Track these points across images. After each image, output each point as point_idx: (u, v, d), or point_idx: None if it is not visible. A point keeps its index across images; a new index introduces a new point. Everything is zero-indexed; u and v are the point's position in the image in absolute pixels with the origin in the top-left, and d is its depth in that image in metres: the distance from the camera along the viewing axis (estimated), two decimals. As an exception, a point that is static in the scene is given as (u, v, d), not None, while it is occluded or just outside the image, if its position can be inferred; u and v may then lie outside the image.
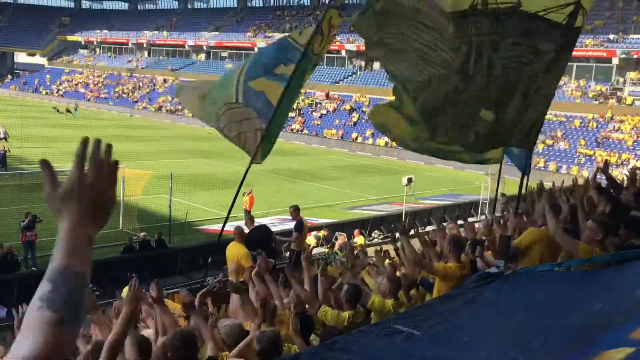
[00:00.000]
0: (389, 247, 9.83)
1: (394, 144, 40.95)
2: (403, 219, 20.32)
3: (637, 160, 37.98)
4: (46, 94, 77.21)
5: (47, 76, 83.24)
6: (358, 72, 61.61)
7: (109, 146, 1.37)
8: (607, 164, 7.39)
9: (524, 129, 4.96)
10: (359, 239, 18.07)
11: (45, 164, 1.35)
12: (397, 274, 6.92)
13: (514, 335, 2.76)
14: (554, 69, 4.61)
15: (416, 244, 6.47)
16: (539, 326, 2.81)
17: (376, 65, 61.10)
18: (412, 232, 6.64)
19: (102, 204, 1.36)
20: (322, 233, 18.41)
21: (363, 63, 62.19)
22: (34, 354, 1.18)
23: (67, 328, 1.22)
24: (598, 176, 7.43)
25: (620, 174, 35.58)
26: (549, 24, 4.43)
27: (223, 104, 7.35)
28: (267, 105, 7.14)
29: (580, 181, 8.85)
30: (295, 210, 11.62)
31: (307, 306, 5.74)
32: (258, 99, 7.11)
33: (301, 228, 11.46)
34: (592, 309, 2.94)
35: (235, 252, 9.23)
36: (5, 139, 34.80)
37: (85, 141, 1.34)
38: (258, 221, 11.90)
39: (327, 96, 58.24)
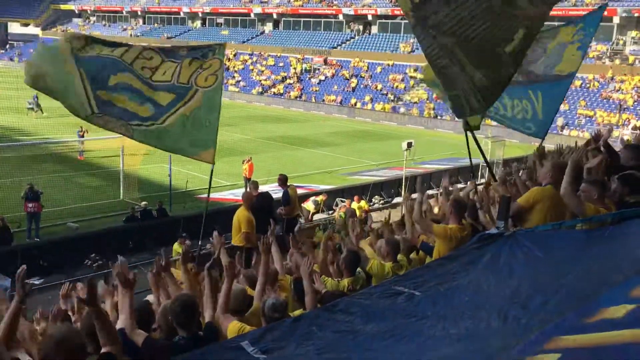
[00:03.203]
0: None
1: (398, 107, 40.50)
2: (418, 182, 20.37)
3: (637, 121, 37.86)
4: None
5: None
6: (356, 37, 60.86)
7: None
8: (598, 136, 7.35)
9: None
10: (361, 204, 18.10)
11: None
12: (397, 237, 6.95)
13: (514, 295, 2.78)
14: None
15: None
16: (539, 286, 2.82)
17: (374, 29, 60.38)
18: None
19: None
20: (320, 198, 18.35)
21: (361, 27, 61.40)
22: None
23: None
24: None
25: (620, 134, 35.55)
26: None
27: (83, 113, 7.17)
28: (123, 111, 7.18)
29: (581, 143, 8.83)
30: (280, 180, 11.74)
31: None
32: (112, 107, 7.12)
33: (287, 200, 11.59)
34: (592, 268, 2.96)
35: (236, 217, 9.41)
36: (34, 108, 35.44)
37: None
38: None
39: (325, 62, 57.67)
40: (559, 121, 39.23)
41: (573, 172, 4.54)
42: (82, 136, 26.04)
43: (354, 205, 17.77)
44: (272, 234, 6.45)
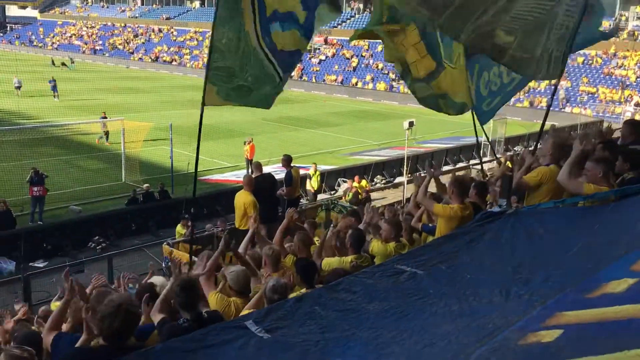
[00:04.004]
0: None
1: (397, 87, 39.86)
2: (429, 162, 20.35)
3: (640, 97, 37.66)
4: (40, 47, 76.01)
5: (40, 29, 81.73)
6: (356, 15, 60.30)
7: None
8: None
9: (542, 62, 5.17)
10: (361, 184, 18.08)
11: None
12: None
13: (516, 271, 2.78)
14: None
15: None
16: (541, 262, 2.83)
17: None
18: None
19: None
20: (311, 172, 18.18)
21: (361, 5, 60.80)
22: None
23: None
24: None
25: (623, 110, 35.40)
26: None
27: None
28: (289, 55, 6.73)
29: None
30: (285, 161, 11.73)
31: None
32: (291, 57, 6.65)
33: (291, 180, 11.59)
34: (594, 244, 2.96)
35: (241, 200, 9.36)
36: (19, 87, 36.80)
37: None
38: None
39: (326, 41, 57.23)
40: (561, 94, 39.02)
41: (577, 159, 4.46)
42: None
43: (355, 185, 17.76)
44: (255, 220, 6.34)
